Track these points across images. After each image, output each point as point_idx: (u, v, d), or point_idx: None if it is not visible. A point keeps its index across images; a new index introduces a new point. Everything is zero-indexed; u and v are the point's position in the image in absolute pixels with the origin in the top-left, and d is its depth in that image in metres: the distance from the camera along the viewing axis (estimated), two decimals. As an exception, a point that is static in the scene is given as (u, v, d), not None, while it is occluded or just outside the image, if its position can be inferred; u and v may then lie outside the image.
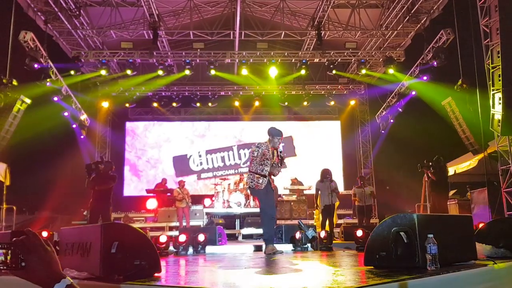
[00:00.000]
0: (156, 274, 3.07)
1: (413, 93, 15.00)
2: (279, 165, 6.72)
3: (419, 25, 13.69)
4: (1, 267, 1.39)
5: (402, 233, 3.01)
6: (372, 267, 3.19)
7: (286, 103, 17.56)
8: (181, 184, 13.31)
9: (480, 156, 11.81)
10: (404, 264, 2.95)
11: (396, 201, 15.50)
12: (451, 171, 12.86)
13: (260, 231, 12.69)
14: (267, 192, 6.62)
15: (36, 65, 11.80)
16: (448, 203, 11.49)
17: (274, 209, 6.74)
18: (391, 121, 16.50)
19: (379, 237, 3.16)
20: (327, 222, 10.50)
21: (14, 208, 11.28)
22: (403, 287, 2.28)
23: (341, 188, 16.46)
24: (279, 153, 6.70)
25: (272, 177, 6.86)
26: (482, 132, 10.11)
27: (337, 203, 10.59)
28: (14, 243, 1.40)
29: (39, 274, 1.40)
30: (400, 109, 15.89)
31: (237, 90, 17.58)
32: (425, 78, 13.81)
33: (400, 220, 3.07)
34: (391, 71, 14.18)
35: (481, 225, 4.76)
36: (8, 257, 1.39)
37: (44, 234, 7.01)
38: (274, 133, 6.69)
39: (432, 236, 2.84)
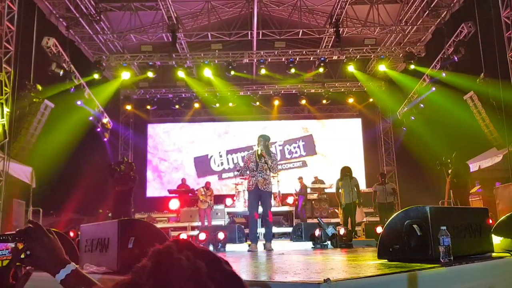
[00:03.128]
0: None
1: (433, 88, 14.76)
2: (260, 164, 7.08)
3: (439, 19, 13.45)
4: (9, 259, 1.45)
5: (415, 226, 3.00)
6: (385, 260, 3.19)
7: (304, 102, 17.50)
8: (207, 186, 13.68)
9: (505, 150, 11.54)
10: (418, 257, 2.94)
11: (420, 198, 15.20)
12: (475, 166, 12.61)
13: (281, 230, 12.77)
14: (256, 194, 7.12)
15: (61, 73, 12.15)
16: (470, 199, 11.27)
17: (253, 210, 7.22)
18: (412, 117, 16.28)
19: (393, 231, 3.16)
20: (349, 220, 10.41)
21: (41, 210, 11.57)
22: (412, 277, 2.28)
23: (363, 186, 16.34)
24: (259, 154, 7.08)
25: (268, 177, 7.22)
26: (505, 126, 9.90)
27: (356, 201, 10.41)
28: (17, 234, 1.47)
29: (44, 261, 1.45)
30: (421, 105, 15.67)
31: (256, 89, 17.58)
32: (443, 74, 13.61)
33: (413, 213, 3.06)
34: (412, 66, 14.04)
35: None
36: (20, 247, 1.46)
37: (71, 234, 7.27)
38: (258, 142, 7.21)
39: (445, 228, 2.82)
